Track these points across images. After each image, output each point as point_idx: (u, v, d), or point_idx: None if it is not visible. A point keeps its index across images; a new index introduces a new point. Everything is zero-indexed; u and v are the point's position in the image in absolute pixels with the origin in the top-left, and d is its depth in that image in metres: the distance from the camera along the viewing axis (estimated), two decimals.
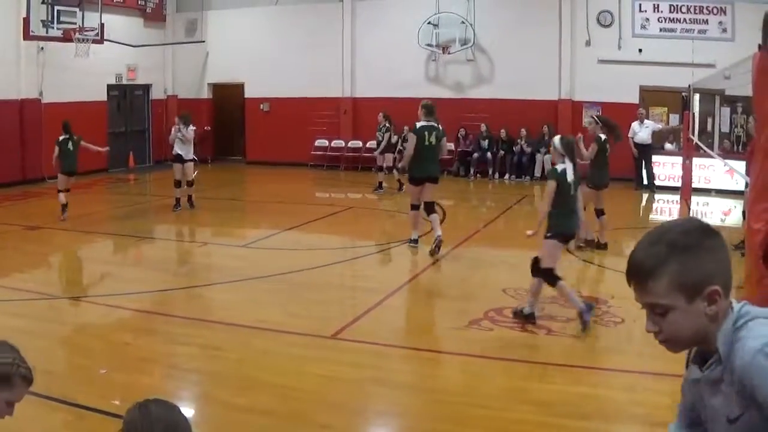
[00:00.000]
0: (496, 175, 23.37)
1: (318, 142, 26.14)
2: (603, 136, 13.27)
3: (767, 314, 2.23)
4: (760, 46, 4.90)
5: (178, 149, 17.17)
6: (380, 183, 20.46)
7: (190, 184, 17.38)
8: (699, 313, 2.25)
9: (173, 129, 17.30)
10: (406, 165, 13.62)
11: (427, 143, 13.15)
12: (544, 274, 9.08)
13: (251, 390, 7.11)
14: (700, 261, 2.24)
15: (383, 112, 21.14)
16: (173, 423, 2.78)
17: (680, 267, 2.23)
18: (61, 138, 16.17)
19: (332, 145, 25.89)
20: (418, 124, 13.28)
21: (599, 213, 13.54)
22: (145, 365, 7.85)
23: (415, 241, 13.63)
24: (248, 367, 7.76)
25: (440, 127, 13.42)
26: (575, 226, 9.49)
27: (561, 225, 9.17)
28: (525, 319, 9.27)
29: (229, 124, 28.01)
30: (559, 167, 9.20)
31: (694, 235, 2.30)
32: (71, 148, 16.08)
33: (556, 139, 9.47)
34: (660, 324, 2.30)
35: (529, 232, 9.33)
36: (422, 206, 13.34)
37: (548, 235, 9.15)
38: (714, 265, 2.26)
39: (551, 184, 9.17)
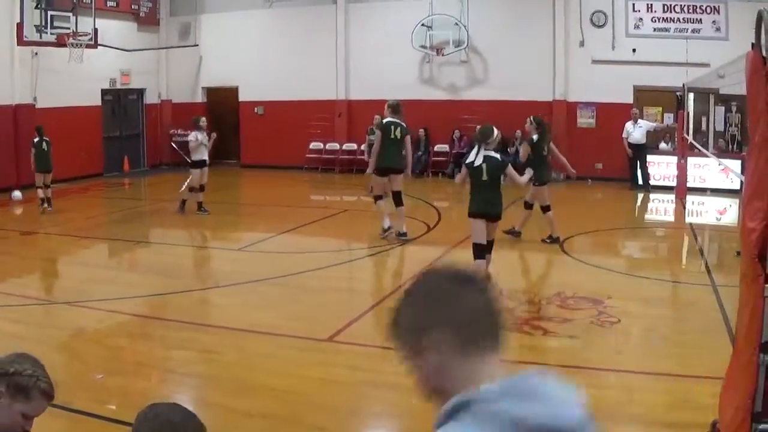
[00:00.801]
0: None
1: (313, 145, 26.10)
2: (536, 137, 13.92)
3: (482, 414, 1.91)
4: (753, 45, 4.91)
5: (202, 155, 17.17)
6: None
7: (203, 188, 17.44)
8: (427, 363, 2.10)
9: (196, 135, 17.15)
10: (375, 161, 14.42)
11: (392, 137, 14.11)
12: (473, 248, 10.39)
13: (247, 393, 7.11)
14: (425, 308, 2.11)
15: (380, 114, 21.10)
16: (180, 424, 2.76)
17: (406, 315, 2.16)
18: (35, 140, 17.76)
19: (327, 147, 25.83)
20: (384, 121, 14.39)
21: (545, 209, 14.15)
22: (141, 369, 7.85)
23: (388, 229, 14.35)
24: (244, 370, 7.75)
25: (404, 125, 14.31)
26: (485, 208, 10.37)
27: (470, 205, 10.47)
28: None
29: (224, 127, 27.76)
30: (470, 158, 10.45)
31: (431, 282, 2.19)
32: (45, 149, 17.65)
33: (477, 128, 10.93)
34: (411, 371, 2.18)
35: None
36: (391, 197, 14.45)
37: (468, 212, 10.52)
38: (443, 312, 2.09)
39: (462, 169, 10.65)
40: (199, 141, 17.02)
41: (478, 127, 11.00)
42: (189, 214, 17.22)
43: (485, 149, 10.36)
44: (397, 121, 14.23)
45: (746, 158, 11.77)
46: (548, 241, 14.05)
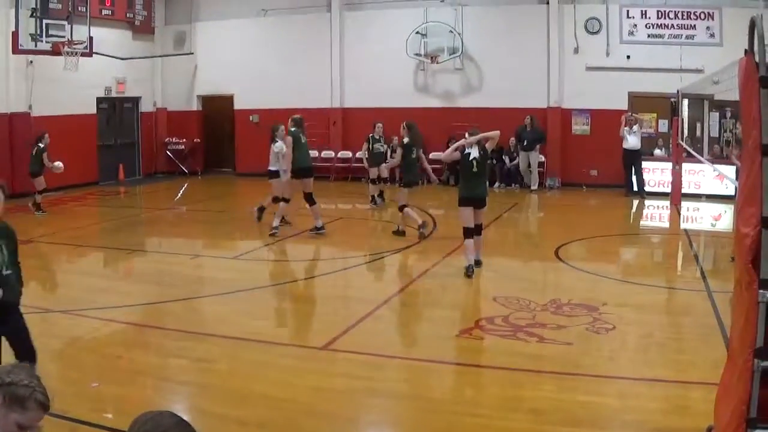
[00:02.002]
0: (486, 184, 23.29)
1: None
2: (407, 140, 15.45)
3: None
4: (746, 51, 4.92)
5: (282, 165, 16.44)
6: (381, 193, 20.31)
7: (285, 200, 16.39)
8: None
9: (281, 145, 16.11)
10: (288, 167, 15.51)
11: (303, 141, 15.57)
12: (464, 231, 12.32)
13: (243, 402, 7.10)
14: None
15: (381, 123, 20.94)
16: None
17: None
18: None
19: (322, 155, 25.75)
20: (291, 129, 15.60)
21: (400, 208, 15.37)
22: (137, 378, 7.83)
23: (320, 228, 15.53)
24: (240, 379, 7.74)
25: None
26: (472, 193, 12.26)
27: (461, 192, 12.39)
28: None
29: (219, 136, 27.97)
30: (466, 149, 12.24)
31: None
32: (32, 153, 18.39)
33: (468, 132, 12.70)
34: None
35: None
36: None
37: (459, 200, 12.37)
38: None
39: (454, 150, 12.51)
40: (283, 151, 16.64)
41: (469, 131, 12.72)
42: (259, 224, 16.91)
43: (479, 147, 12.30)
44: (300, 129, 15.67)
45: (742, 163, 11.82)
46: (396, 233, 15.36)
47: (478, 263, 12.38)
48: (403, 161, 15.60)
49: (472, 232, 12.28)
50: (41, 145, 18.05)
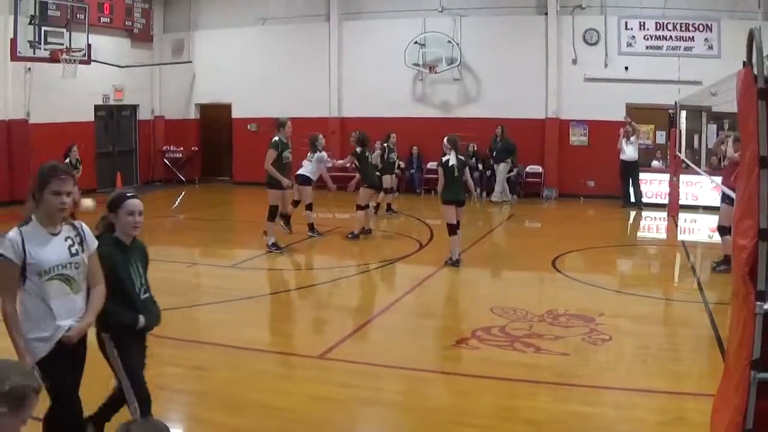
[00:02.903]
0: (484, 194, 23.31)
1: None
2: (359, 149, 16.83)
3: None
4: (745, 63, 4.92)
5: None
6: (388, 205, 20.39)
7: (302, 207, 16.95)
8: None
9: (324, 155, 17.01)
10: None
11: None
12: (448, 227, 13.66)
13: (240, 410, 7.08)
14: None
15: (394, 133, 20.76)
16: None
17: None
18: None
19: None
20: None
21: (359, 207, 16.65)
22: None
23: (275, 245, 15.14)
24: (237, 387, 7.72)
25: (281, 139, 15.36)
26: (456, 196, 13.57)
27: (446, 195, 13.61)
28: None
29: (217, 144, 27.94)
30: (445, 158, 13.55)
31: None
32: None
33: (446, 138, 13.85)
34: None
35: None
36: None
37: (442, 201, 13.68)
38: None
39: (439, 170, 13.65)
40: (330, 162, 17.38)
41: (446, 138, 13.88)
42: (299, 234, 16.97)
43: (457, 154, 13.59)
44: (277, 138, 15.31)
45: (725, 174, 11.79)
46: (350, 236, 16.40)
47: (457, 261, 13.54)
48: (362, 167, 16.89)
49: (456, 228, 13.60)
50: (66, 161, 18.15)
